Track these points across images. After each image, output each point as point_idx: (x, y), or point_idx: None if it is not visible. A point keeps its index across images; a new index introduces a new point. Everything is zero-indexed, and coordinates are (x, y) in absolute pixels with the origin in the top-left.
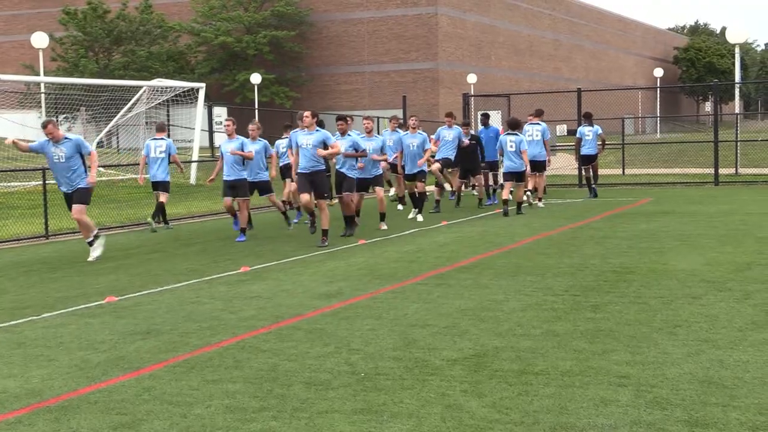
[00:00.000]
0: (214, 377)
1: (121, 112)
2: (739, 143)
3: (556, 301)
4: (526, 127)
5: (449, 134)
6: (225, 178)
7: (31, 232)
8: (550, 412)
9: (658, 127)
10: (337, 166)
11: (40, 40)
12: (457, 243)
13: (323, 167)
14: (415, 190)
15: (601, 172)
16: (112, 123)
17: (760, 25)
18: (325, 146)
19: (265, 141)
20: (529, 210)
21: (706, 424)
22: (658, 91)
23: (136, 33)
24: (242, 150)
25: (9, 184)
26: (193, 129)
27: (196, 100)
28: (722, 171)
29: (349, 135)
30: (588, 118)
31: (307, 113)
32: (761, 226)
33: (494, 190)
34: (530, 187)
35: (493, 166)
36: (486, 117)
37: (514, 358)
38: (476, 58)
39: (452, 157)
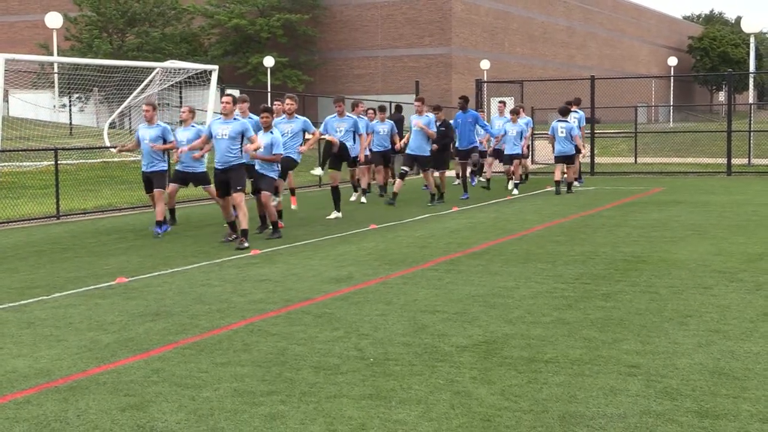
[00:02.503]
0: (223, 360)
1: (134, 94)
2: (752, 133)
3: (567, 289)
4: (555, 123)
5: (420, 122)
6: (175, 167)
7: (43, 212)
8: (560, 400)
9: (671, 116)
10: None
11: (54, 20)
12: (469, 229)
13: (241, 160)
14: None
15: (614, 160)
16: (125, 104)
17: None
18: (243, 138)
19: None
20: (545, 196)
21: (716, 415)
22: (672, 80)
23: (150, 14)
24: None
25: (21, 163)
26: (206, 111)
27: (209, 83)
28: (735, 161)
29: (270, 132)
30: (563, 113)
31: (226, 98)
32: None
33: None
34: (557, 177)
35: (466, 154)
36: (465, 100)
37: (523, 345)
38: (490, 44)
39: (425, 148)
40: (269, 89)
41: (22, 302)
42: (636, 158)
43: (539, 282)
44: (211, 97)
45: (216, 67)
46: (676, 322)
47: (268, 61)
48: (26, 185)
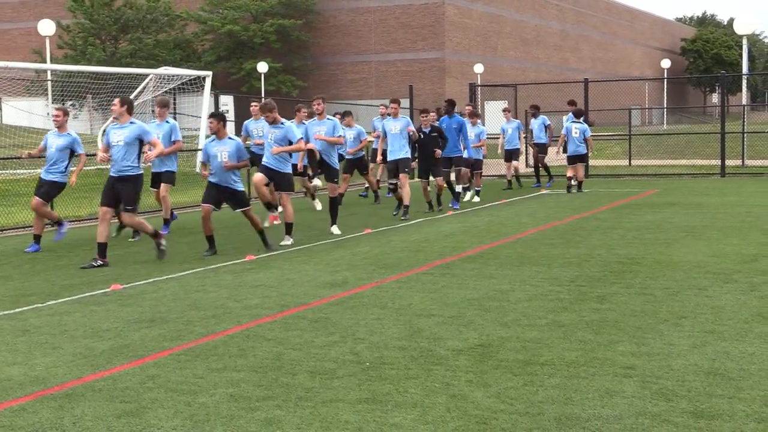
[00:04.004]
0: (218, 366)
1: None
2: (746, 135)
3: (562, 291)
4: (568, 124)
5: (396, 126)
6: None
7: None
8: (556, 402)
9: (665, 119)
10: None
11: (47, 27)
12: (463, 233)
13: (139, 171)
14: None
15: (609, 162)
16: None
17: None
18: (142, 143)
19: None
20: (539, 199)
21: (711, 415)
22: (665, 82)
23: (143, 21)
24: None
25: (15, 171)
26: (200, 117)
27: (203, 89)
28: (729, 162)
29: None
30: (577, 115)
31: (116, 101)
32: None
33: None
34: (569, 174)
35: (449, 162)
36: (451, 105)
37: (519, 348)
38: (483, 48)
39: (402, 153)
40: (263, 95)
41: (17, 310)
42: (630, 160)
43: (534, 285)
44: (205, 104)
45: (209, 73)
46: (671, 324)
47: (262, 67)
48: (20, 192)
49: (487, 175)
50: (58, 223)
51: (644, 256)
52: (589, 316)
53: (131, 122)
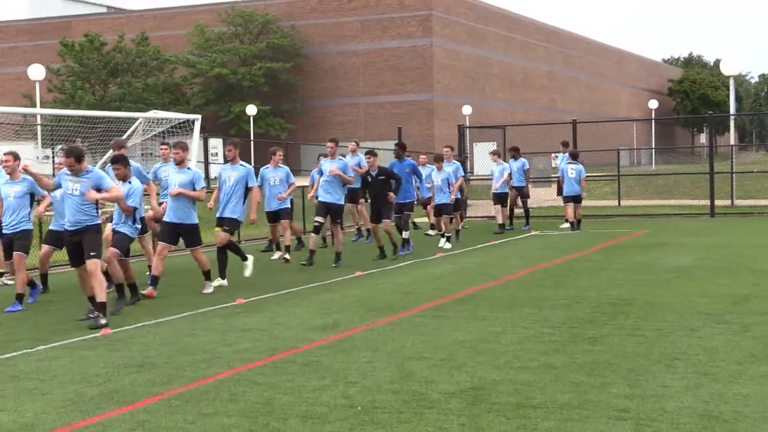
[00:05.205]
0: (209, 410)
1: None
2: (734, 175)
3: (554, 333)
4: (564, 165)
5: (332, 167)
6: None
7: (27, 264)
8: None
9: (654, 159)
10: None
11: (37, 72)
12: (453, 274)
13: (96, 221)
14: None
15: (598, 203)
16: (108, 154)
17: (753, 58)
18: (99, 190)
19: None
20: (529, 240)
21: None
22: (653, 123)
23: (133, 65)
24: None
25: None
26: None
27: (192, 132)
28: (718, 202)
29: (129, 182)
30: (573, 157)
31: (6, 156)
32: (757, 258)
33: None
34: (569, 213)
35: (401, 208)
36: (401, 148)
37: (512, 391)
38: (471, 90)
39: (334, 198)
40: (252, 137)
41: (6, 355)
42: (619, 201)
43: (526, 327)
44: (194, 146)
45: (199, 116)
46: (663, 365)
47: (251, 110)
48: None
49: (476, 217)
50: (31, 284)
51: (635, 297)
52: (581, 357)
53: (88, 170)
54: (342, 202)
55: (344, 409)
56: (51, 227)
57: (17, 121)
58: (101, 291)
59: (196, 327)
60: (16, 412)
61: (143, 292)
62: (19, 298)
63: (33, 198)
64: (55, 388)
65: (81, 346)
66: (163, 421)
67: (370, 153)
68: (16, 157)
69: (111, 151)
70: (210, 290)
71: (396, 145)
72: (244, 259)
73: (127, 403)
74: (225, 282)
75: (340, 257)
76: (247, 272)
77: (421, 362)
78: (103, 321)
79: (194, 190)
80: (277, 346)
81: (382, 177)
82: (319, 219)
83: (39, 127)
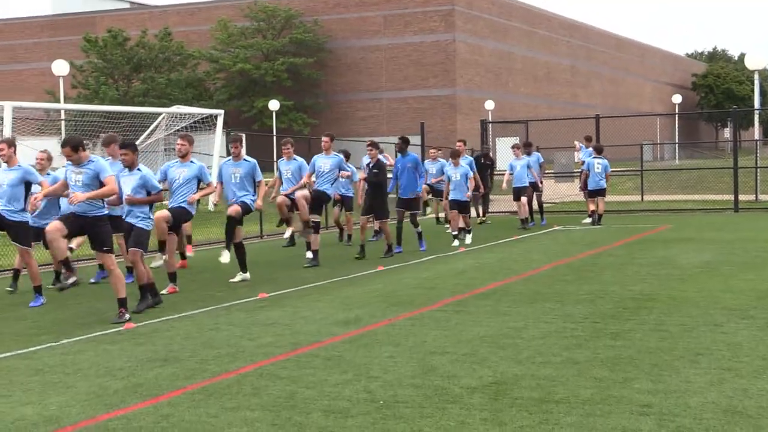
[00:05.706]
0: (232, 405)
1: (141, 139)
2: (759, 169)
3: (576, 328)
4: (590, 160)
5: (326, 163)
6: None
7: (47, 259)
8: None
9: (677, 154)
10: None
11: (60, 67)
12: (476, 270)
13: (101, 212)
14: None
15: (621, 198)
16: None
17: None
18: (101, 183)
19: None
20: (551, 235)
21: None
22: (677, 118)
23: (156, 60)
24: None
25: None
26: (212, 155)
27: (215, 127)
28: (742, 197)
29: (138, 170)
30: (598, 151)
31: (1, 145)
32: None
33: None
34: (592, 208)
35: (406, 203)
36: (404, 142)
37: (534, 386)
38: (494, 85)
39: (328, 192)
40: (275, 132)
41: (31, 349)
42: (642, 196)
43: (548, 322)
44: (217, 142)
45: (221, 111)
46: (687, 360)
47: (274, 105)
48: None
49: (497, 212)
50: (68, 267)
51: (658, 292)
52: (604, 353)
53: (19, 165)
54: (330, 192)
55: (366, 403)
56: (30, 223)
57: (41, 116)
58: (122, 287)
59: (219, 321)
60: (41, 405)
61: (163, 292)
62: (38, 290)
63: (29, 188)
64: (80, 382)
65: (105, 340)
66: (186, 415)
67: (372, 144)
68: (10, 144)
69: (100, 145)
70: (160, 263)
71: (399, 139)
72: (228, 248)
73: (151, 396)
74: (248, 275)
75: (363, 250)
76: (223, 259)
77: (443, 357)
78: (127, 316)
79: (199, 184)
80: (299, 341)
81: (376, 170)
82: (315, 218)
83: (63, 123)
